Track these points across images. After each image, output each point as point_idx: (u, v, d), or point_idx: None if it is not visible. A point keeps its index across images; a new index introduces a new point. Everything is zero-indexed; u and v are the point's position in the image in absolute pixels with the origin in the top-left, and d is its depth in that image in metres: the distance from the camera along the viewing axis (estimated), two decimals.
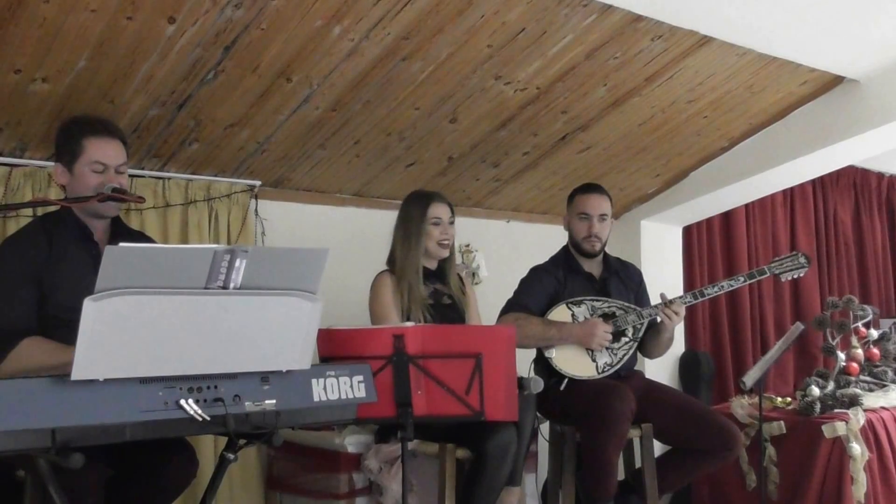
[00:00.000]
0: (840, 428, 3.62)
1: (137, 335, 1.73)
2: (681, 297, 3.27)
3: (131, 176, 3.37)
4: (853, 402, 3.77)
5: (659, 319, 3.29)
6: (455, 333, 2.56)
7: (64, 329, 2.10)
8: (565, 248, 3.52)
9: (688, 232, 5.31)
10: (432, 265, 3.27)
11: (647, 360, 3.66)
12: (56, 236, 2.39)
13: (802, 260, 3.35)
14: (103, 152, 2.40)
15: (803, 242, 5.95)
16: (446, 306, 3.22)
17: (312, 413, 2.04)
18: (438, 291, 3.24)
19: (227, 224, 3.69)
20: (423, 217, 3.18)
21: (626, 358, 3.29)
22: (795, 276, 3.35)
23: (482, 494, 2.79)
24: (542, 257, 3.54)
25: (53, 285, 2.33)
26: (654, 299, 3.50)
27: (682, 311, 3.24)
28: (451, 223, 3.25)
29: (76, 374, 1.67)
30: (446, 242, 3.22)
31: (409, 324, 2.53)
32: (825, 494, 3.61)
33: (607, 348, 3.25)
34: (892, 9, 3.44)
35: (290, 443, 3.45)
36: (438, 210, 3.21)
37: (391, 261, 3.24)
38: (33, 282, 2.32)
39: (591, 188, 3.49)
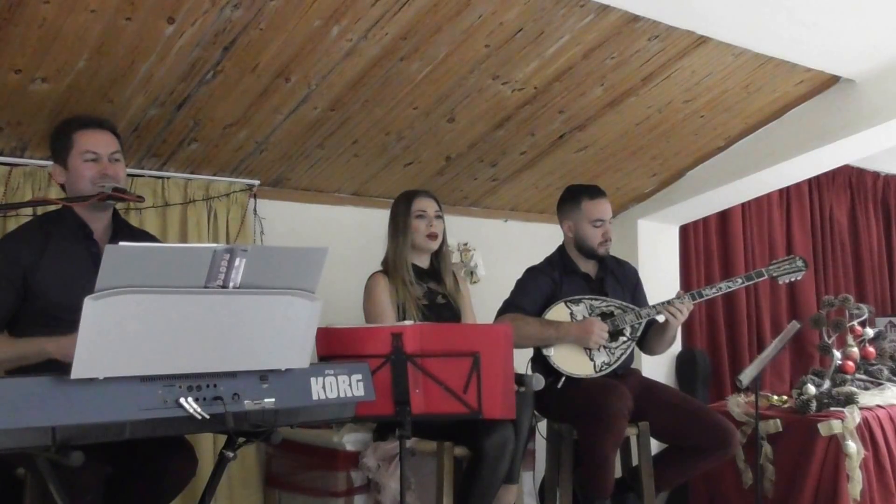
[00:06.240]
0: (836, 426, 3.63)
1: (137, 334, 1.73)
2: (678, 298, 3.27)
3: (131, 175, 3.39)
4: (849, 400, 3.78)
5: (662, 318, 3.30)
6: (453, 332, 2.57)
7: (63, 327, 2.11)
8: (561, 249, 3.52)
9: (684, 231, 5.32)
10: (424, 263, 3.27)
11: (644, 358, 3.67)
12: (54, 235, 2.41)
13: (800, 263, 3.37)
14: (93, 141, 2.46)
15: (799, 241, 5.95)
16: (441, 306, 3.23)
17: (311, 411, 2.05)
18: (433, 291, 3.24)
19: (226, 223, 3.70)
20: (407, 212, 3.22)
21: (624, 357, 3.31)
22: (793, 280, 3.36)
23: (480, 492, 2.80)
24: (540, 256, 3.55)
25: (49, 283, 2.34)
26: (652, 298, 3.52)
27: (685, 310, 3.23)
28: (439, 217, 3.25)
29: (76, 373, 1.67)
30: (434, 234, 3.22)
31: (407, 322, 2.54)
32: (821, 492, 3.62)
33: (605, 347, 3.26)
34: (887, 8, 3.45)
35: (289, 441, 3.45)
36: (422, 203, 3.24)
37: (385, 262, 3.26)
38: (14, 283, 2.34)
39: (598, 192, 3.46)
